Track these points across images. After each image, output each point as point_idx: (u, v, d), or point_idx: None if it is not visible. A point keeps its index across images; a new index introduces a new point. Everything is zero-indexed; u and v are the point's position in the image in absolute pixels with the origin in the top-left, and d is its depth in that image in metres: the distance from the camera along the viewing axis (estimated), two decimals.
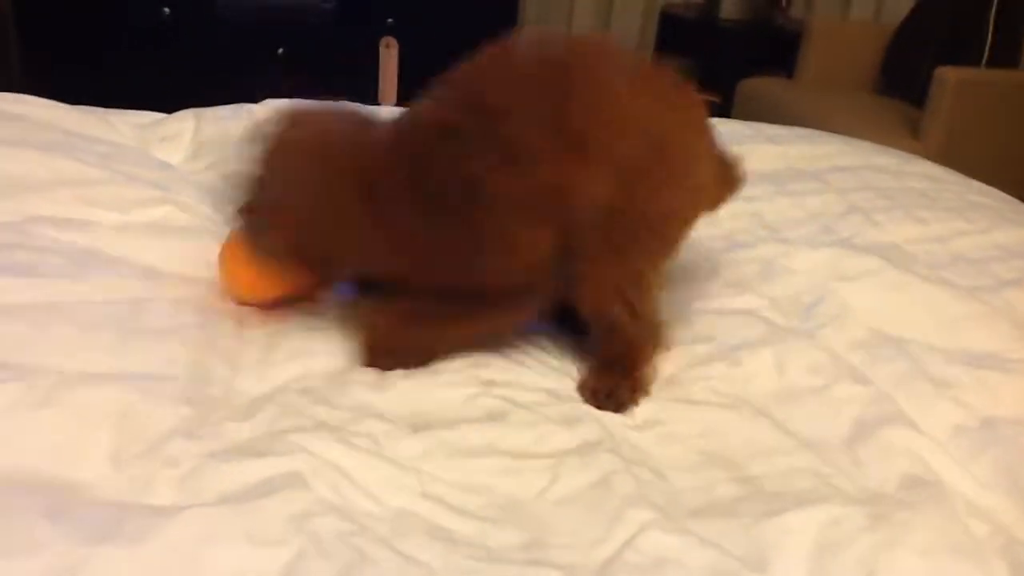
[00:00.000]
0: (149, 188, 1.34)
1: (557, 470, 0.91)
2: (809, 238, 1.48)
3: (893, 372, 1.14)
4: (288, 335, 1.08)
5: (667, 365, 1.14)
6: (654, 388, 1.09)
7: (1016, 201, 1.74)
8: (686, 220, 1.11)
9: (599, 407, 1.04)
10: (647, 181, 1.02)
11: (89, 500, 0.79)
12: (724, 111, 3.57)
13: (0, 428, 0.85)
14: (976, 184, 1.80)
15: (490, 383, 1.04)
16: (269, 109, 1.69)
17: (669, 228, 1.09)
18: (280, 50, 3.28)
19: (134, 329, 1.03)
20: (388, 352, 1.06)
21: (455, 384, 1.03)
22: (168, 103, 1.76)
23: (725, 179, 1.21)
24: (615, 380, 1.06)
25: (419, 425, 0.95)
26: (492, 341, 1.11)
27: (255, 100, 1.78)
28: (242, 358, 1.03)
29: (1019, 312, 1.30)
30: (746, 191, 1.62)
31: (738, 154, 1.24)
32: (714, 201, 1.19)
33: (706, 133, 1.14)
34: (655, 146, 1.02)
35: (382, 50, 3.24)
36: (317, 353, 1.06)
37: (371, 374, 1.04)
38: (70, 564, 0.70)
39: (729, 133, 1.92)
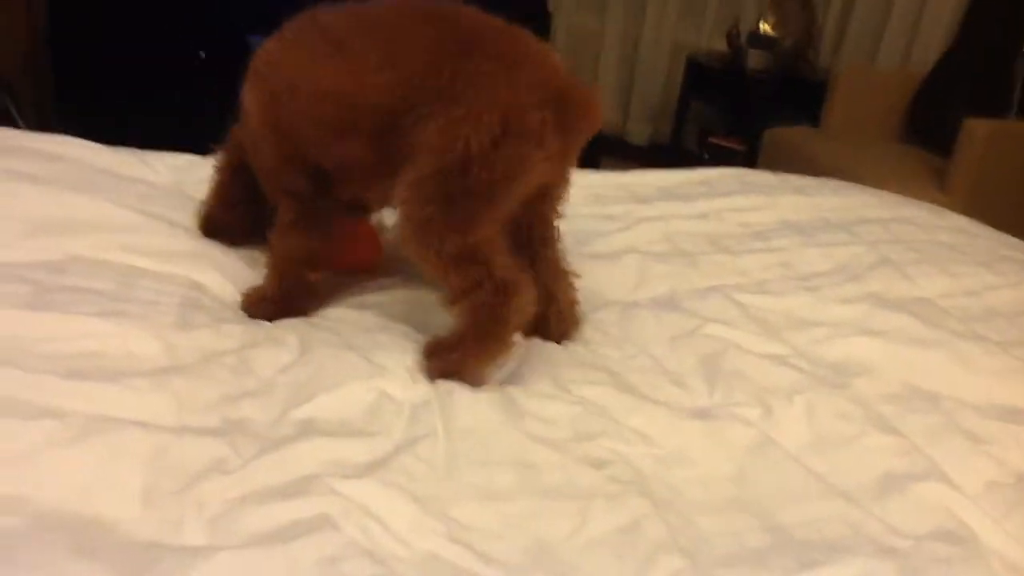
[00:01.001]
0: (185, 236, 1.36)
1: (586, 513, 0.91)
2: (839, 290, 1.47)
3: (926, 425, 1.13)
4: (319, 372, 1.09)
5: (699, 399, 1.14)
6: (684, 419, 1.09)
7: None
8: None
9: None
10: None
11: (120, 539, 0.79)
12: (750, 159, 3.59)
13: (32, 466, 0.86)
14: (1006, 237, 1.79)
15: (520, 415, 1.04)
16: None
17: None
18: None
19: (168, 368, 1.04)
20: (260, 300, 1.24)
21: (487, 424, 1.03)
22: (204, 145, 1.78)
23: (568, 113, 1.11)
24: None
25: (447, 466, 0.95)
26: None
27: None
28: (274, 395, 1.04)
29: None
30: (775, 241, 1.64)
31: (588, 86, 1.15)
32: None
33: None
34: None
35: None
36: (349, 390, 1.06)
37: (402, 412, 1.04)
38: None
39: (757, 182, 1.94)
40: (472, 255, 1.09)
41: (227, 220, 1.39)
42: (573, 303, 1.29)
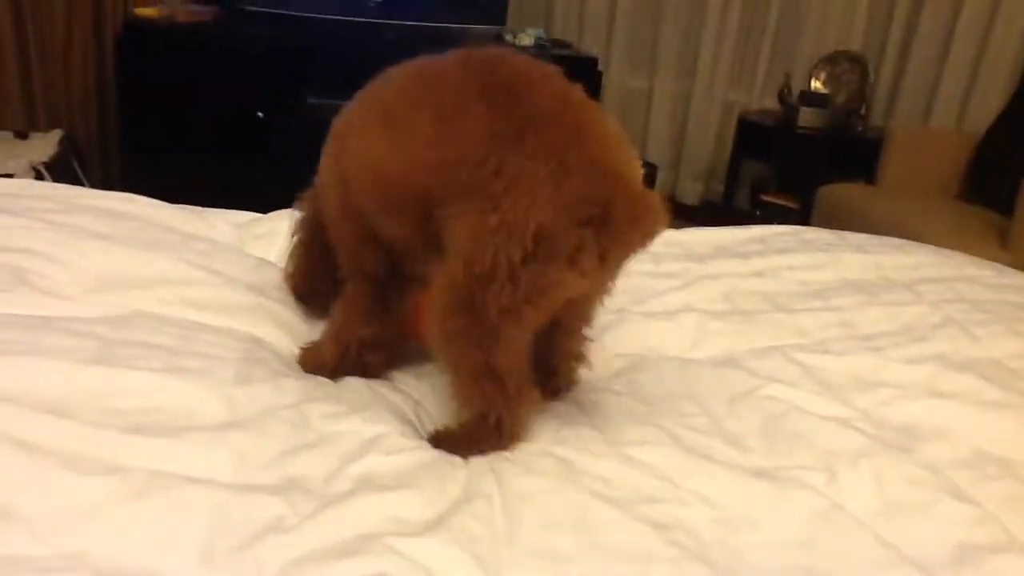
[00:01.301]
0: (245, 291, 1.37)
1: None
2: (904, 350, 1.44)
3: (1000, 493, 1.09)
4: (374, 429, 1.08)
5: (760, 461, 1.12)
6: (746, 482, 1.06)
7: None
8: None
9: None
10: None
11: None
12: (804, 217, 3.55)
13: (94, 521, 0.86)
14: None
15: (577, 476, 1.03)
16: None
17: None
18: None
19: (228, 424, 1.04)
20: (317, 365, 1.23)
21: (544, 485, 1.02)
22: (263, 204, 1.82)
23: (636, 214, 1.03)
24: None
25: (506, 526, 0.94)
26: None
27: None
28: (331, 450, 1.04)
29: None
30: (835, 300, 1.61)
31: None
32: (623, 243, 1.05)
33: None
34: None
35: None
36: (406, 448, 1.05)
37: (457, 468, 1.04)
38: None
39: (814, 240, 1.91)
40: (492, 373, 1.06)
41: (316, 288, 1.37)
42: (573, 364, 1.26)
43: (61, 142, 3.16)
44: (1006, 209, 2.90)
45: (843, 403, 1.27)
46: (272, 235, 1.65)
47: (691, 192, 4.47)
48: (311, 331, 1.32)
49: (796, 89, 3.93)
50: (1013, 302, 1.65)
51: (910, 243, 1.95)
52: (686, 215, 4.09)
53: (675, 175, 4.49)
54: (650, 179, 4.13)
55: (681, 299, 1.58)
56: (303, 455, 1.02)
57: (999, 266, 1.90)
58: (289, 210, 1.75)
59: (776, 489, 1.06)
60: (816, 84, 3.96)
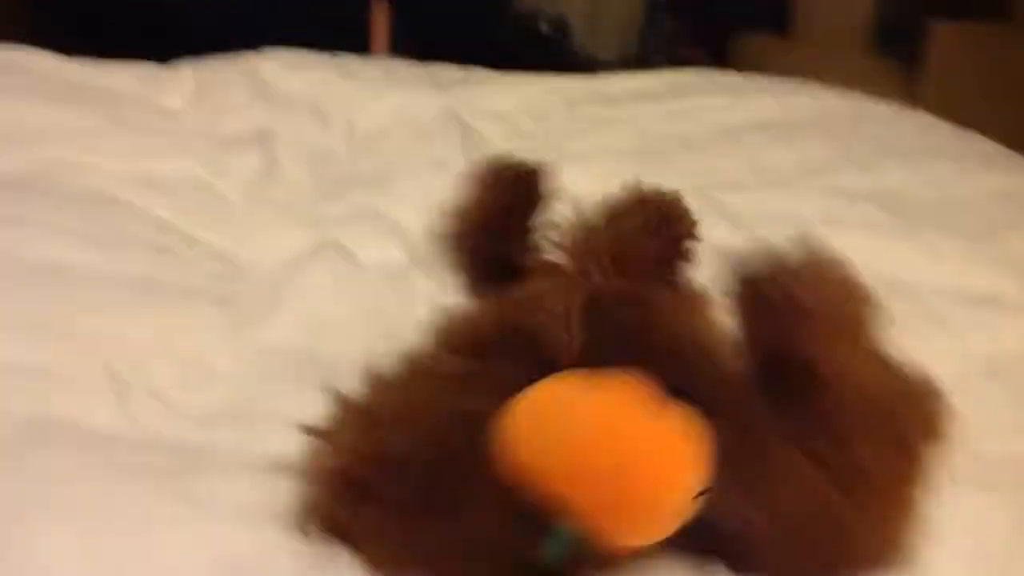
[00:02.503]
0: (156, 136, 1.35)
1: None
2: (807, 184, 1.50)
3: (893, 310, 1.16)
4: None
5: None
6: None
7: (1008, 150, 1.76)
8: None
9: None
10: None
11: None
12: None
13: None
14: (969, 133, 1.81)
15: None
16: (269, 60, 1.72)
17: None
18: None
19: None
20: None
21: None
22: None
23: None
24: None
25: None
26: None
27: None
28: None
29: (1015, 253, 1.33)
30: (745, 139, 1.66)
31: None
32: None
33: None
34: None
35: (374, 5, 3.24)
36: None
37: None
38: None
39: (725, 83, 1.95)
40: None
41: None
42: None
43: None
44: (912, 60, 2.98)
45: (745, 231, 1.33)
46: (178, 86, 1.61)
47: (607, 49, 4.43)
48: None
49: None
50: (910, 137, 1.72)
51: (817, 86, 2.00)
52: (603, 72, 4.07)
53: (591, 32, 4.44)
54: (565, 37, 4.10)
55: (596, 142, 1.61)
56: None
57: (900, 106, 1.97)
58: (194, 61, 1.71)
59: None
60: None
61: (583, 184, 1.44)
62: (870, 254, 1.28)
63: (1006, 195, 1.52)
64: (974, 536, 0.80)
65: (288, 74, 1.69)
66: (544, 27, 4.01)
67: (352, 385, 0.68)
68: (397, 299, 1.06)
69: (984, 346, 1.10)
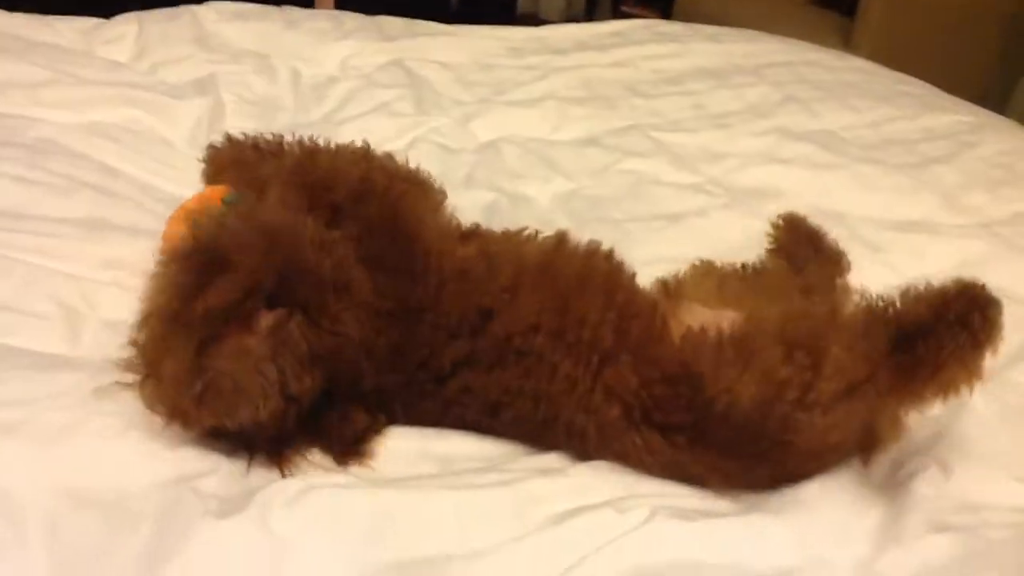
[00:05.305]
0: (101, 87, 1.34)
1: None
2: (749, 125, 1.54)
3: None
4: None
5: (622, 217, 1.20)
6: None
7: (941, 91, 1.81)
8: None
9: None
10: None
11: None
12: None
13: None
14: (904, 76, 1.86)
15: None
16: (213, 10, 1.70)
17: None
18: None
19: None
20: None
21: None
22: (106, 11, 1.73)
23: None
24: None
25: None
26: None
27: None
28: None
29: (945, 184, 1.38)
30: (689, 84, 1.69)
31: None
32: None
33: None
34: None
35: None
36: None
37: None
38: None
39: (669, 32, 1.97)
40: None
41: None
42: None
43: None
44: (850, 11, 3.03)
45: (694, 172, 1.37)
46: (121, 39, 1.59)
47: (554, 8, 4.43)
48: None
49: None
50: (848, 81, 1.77)
51: (758, 33, 2.04)
52: None
53: None
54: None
55: (543, 88, 1.62)
56: None
57: (838, 52, 2.02)
58: (136, 13, 1.69)
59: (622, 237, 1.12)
60: None
61: (530, 126, 1.48)
62: (809, 188, 1.34)
63: (938, 133, 1.57)
64: None
65: (232, 25, 1.68)
66: None
67: None
68: None
69: (913, 268, 1.14)
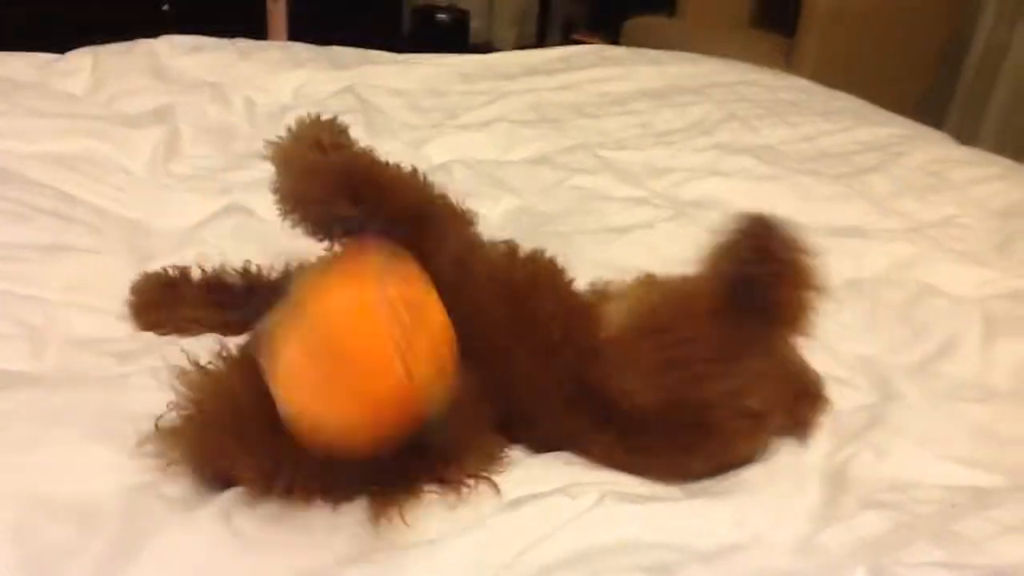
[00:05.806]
0: (57, 119, 1.36)
1: None
2: (692, 142, 1.60)
3: None
4: None
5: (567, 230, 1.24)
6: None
7: (875, 106, 1.90)
8: None
9: None
10: None
11: None
12: None
13: None
14: (840, 93, 1.95)
15: None
16: (167, 44, 1.73)
17: None
18: (165, 6, 3.24)
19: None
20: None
21: None
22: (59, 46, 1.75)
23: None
24: None
25: None
26: None
27: None
28: None
29: (877, 192, 1.45)
30: (633, 105, 1.75)
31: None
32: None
33: None
34: None
35: (269, 4, 3.24)
36: None
37: None
38: None
39: (614, 56, 2.04)
40: None
41: None
42: None
43: None
44: (791, 32, 3.14)
45: (639, 187, 1.42)
46: (76, 72, 1.61)
47: (505, 37, 4.52)
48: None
49: None
50: (787, 99, 1.84)
51: (700, 56, 2.12)
52: None
53: (488, 22, 4.52)
54: (463, 27, 4.16)
55: (493, 111, 1.67)
56: None
57: (777, 72, 2.10)
58: (91, 48, 1.71)
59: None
60: None
61: (481, 148, 1.53)
62: (747, 197, 1.40)
63: (871, 145, 1.65)
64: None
65: (187, 57, 1.72)
66: (442, 16, 4.07)
67: None
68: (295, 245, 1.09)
69: (849, 269, 1.20)
